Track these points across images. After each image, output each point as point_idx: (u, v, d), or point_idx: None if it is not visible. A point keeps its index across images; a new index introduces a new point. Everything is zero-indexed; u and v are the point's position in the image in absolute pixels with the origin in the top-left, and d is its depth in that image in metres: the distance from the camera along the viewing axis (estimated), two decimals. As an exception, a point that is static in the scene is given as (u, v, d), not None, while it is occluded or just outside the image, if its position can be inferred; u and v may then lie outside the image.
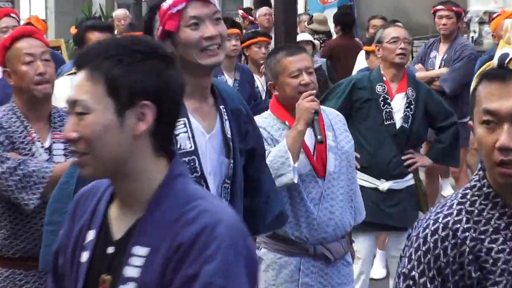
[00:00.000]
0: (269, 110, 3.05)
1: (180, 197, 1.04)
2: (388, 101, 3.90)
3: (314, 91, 2.89)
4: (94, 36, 3.58)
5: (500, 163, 1.14)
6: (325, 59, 6.95)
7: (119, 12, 9.90)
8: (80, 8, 14.17)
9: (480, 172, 1.28)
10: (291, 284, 2.75)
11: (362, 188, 3.46)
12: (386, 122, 3.86)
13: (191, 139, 1.92)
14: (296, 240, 2.76)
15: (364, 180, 3.83)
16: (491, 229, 1.21)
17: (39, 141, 2.85)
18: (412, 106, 3.87)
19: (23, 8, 16.02)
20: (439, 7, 6.43)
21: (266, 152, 2.62)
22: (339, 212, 2.80)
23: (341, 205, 2.82)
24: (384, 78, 3.93)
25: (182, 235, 0.96)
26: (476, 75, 1.32)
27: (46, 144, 2.88)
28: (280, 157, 2.64)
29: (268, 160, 2.57)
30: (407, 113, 3.86)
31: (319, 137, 2.67)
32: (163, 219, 1.00)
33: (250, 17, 9.41)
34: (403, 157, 3.92)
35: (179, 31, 1.91)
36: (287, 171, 2.63)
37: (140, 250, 0.98)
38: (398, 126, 3.86)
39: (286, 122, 2.86)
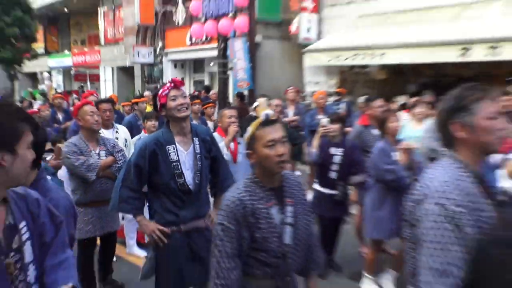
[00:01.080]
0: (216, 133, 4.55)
1: (40, 188, 1.84)
2: None
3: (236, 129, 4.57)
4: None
5: (278, 163, 2.00)
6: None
7: (146, 93, 12.64)
8: (129, 91, 18.89)
9: (253, 173, 2.10)
10: None
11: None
12: None
13: (176, 154, 3.09)
14: None
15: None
16: (258, 197, 2.04)
17: (92, 150, 4.06)
18: None
19: (102, 91, 21.27)
20: (289, 89, 8.26)
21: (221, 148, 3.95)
22: None
23: None
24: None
25: (40, 214, 1.64)
26: (252, 127, 2.09)
27: (97, 151, 4.09)
28: (222, 148, 4.15)
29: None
30: None
31: None
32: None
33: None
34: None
35: (167, 103, 3.03)
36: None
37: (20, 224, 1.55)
38: None
39: (223, 138, 4.51)
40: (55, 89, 22.02)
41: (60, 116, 8.53)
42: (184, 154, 3.10)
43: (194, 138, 3.15)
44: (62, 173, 4.87)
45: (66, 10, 23.46)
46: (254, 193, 2.04)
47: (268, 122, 2.05)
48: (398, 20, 10.26)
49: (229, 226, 1.97)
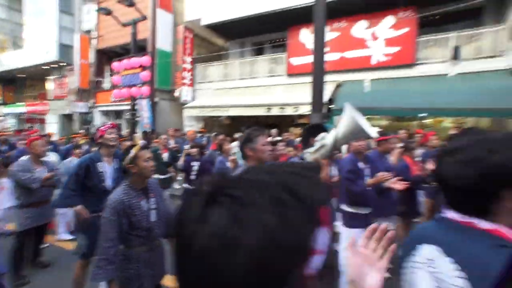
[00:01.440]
0: None
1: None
2: None
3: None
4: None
5: (151, 171, 1.73)
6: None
7: (81, 131, 11.28)
8: (69, 130, 16.51)
9: (128, 180, 1.84)
10: None
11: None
12: None
13: (103, 168, 2.80)
14: None
15: None
16: (132, 196, 1.84)
17: (36, 169, 3.44)
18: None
19: (48, 130, 17.62)
20: (170, 129, 7.63)
21: None
22: None
23: None
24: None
25: None
26: (134, 150, 1.86)
27: (40, 169, 3.46)
28: None
29: None
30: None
31: None
32: None
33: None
34: None
35: (104, 136, 2.77)
36: None
37: None
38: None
39: None
40: (8, 128, 18.13)
41: (4, 148, 6.93)
42: (107, 168, 2.85)
43: (114, 159, 2.92)
44: (8, 184, 3.96)
45: (24, 75, 19.65)
46: (129, 193, 1.90)
47: (144, 147, 1.99)
48: (235, 92, 10.82)
49: (112, 218, 1.80)
